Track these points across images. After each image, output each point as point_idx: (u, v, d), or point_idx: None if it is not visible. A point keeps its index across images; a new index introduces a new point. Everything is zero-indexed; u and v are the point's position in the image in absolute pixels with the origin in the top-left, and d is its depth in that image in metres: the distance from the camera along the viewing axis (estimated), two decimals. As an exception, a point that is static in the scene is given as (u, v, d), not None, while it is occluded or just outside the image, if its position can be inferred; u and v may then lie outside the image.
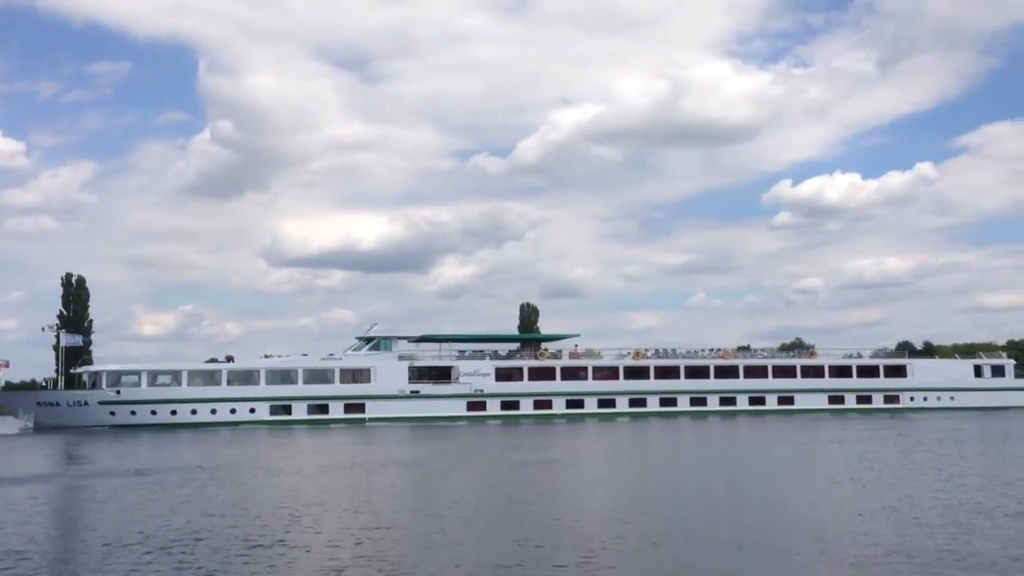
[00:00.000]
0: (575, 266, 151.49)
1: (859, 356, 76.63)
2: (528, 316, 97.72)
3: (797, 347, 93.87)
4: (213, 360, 70.99)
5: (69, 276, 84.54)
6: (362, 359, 65.67)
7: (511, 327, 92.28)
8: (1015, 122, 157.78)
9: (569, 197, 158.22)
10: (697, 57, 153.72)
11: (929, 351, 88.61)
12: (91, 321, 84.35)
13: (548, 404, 67.07)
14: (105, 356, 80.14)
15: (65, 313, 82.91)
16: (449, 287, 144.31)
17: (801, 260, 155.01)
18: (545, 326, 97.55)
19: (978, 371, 76.39)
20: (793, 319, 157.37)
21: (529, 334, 74.60)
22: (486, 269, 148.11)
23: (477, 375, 66.61)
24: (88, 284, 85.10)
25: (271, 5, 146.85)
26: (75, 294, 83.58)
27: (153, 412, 60.63)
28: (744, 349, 79.53)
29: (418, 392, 65.31)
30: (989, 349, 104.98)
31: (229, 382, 62.91)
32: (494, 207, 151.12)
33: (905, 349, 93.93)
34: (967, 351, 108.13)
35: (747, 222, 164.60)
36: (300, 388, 63.46)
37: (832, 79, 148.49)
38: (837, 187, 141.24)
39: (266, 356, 67.72)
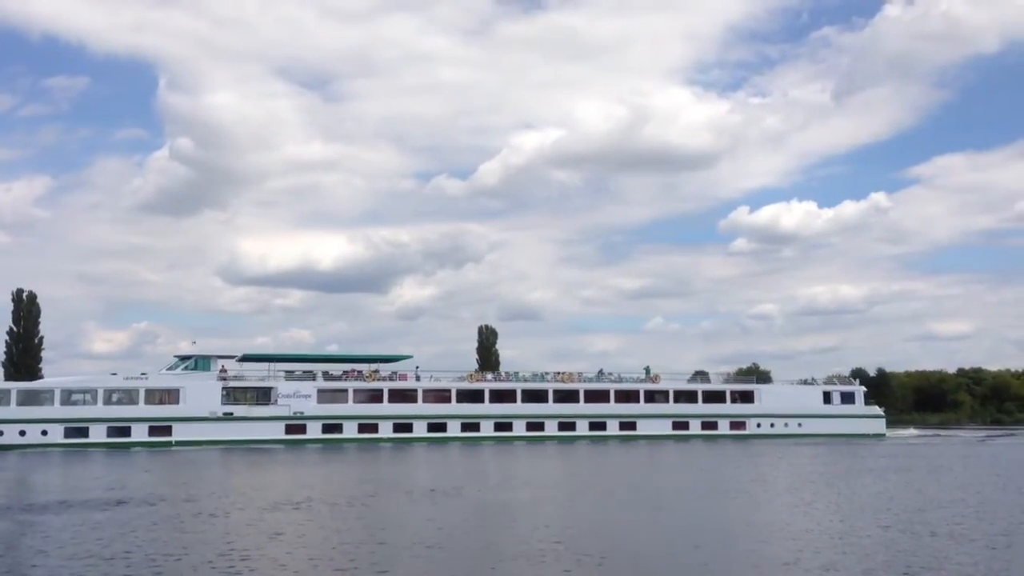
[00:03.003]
0: (534, 289, 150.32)
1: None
2: (487, 338, 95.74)
3: (753, 372, 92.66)
4: None
5: (20, 292, 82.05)
6: (171, 379, 61.86)
7: (469, 349, 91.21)
8: (966, 154, 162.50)
9: (529, 220, 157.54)
10: (657, 84, 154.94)
11: (882, 377, 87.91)
12: (42, 338, 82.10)
13: (374, 428, 63.93)
14: (56, 374, 75.79)
15: (15, 330, 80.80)
16: (408, 308, 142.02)
17: (757, 286, 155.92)
18: (503, 348, 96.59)
19: (827, 397, 74.95)
20: (749, 344, 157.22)
21: (359, 355, 71.27)
22: (445, 291, 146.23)
23: (297, 397, 63.23)
24: (40, 300, 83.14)
25: (234, 24, 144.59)
26: (26, 310, 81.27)
27: (-70, 434, 56.24)
28: (701, 374, 77.91)
29: (231, 414, 61.68)
30: (939, 377, 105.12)
31: (19, 402, 58.60)
32: (454, 229, 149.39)
33: (858, 375, 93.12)
34: (920, 378, 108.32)
35: (704, 248, 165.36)
36: (99, 409, 59.34)
37: (789, 109, 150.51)
38: (793, 215, 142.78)
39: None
